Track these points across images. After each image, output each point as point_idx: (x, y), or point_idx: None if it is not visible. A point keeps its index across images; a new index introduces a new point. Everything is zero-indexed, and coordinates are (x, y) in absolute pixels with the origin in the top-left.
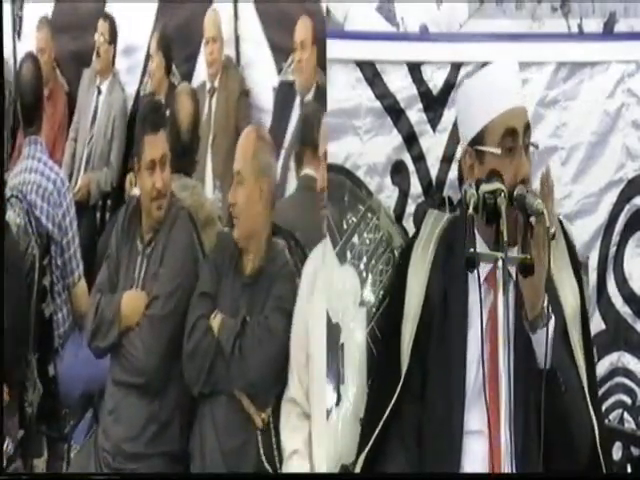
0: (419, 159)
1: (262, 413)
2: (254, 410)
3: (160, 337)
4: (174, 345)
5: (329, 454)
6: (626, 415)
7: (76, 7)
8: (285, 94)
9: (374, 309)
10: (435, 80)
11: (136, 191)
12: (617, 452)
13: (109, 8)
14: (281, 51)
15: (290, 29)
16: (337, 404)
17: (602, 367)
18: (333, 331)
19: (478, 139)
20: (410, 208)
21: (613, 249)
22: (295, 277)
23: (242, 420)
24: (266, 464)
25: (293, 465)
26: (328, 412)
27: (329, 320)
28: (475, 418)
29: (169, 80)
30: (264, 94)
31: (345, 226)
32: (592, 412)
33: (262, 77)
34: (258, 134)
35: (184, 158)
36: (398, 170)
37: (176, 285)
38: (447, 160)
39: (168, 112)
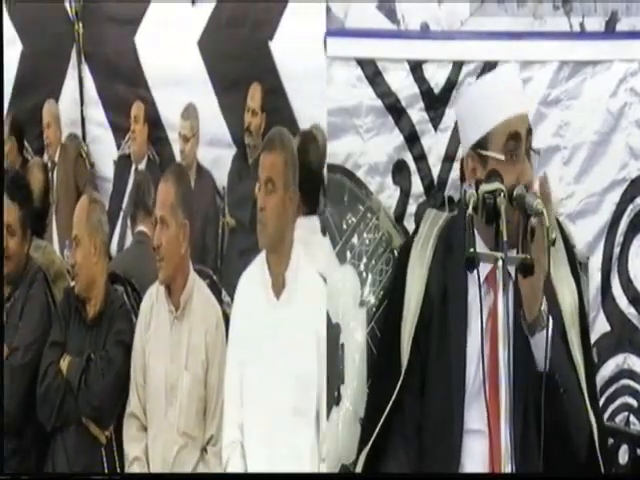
0: (420, 158)
1: (106, 431)
2: (99, 431)
3: (19, 385)
4: (32, 391)
5: (329, 454)
6: (632, 418)
7: None
8: (123, 165)
9: (374, 309)
10: (437, 79)
11: None
12: (623, 455)
13: None
14: (120, 130)
15: (127, 112)
16: (337, 404)
17: (607, 369)
18: (333, 331)
19: (481, 144)
20: (411, 208)
21: (617, 249)
22: (131, 315)
23: (89, 441)
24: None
25: (135, 470)
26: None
27: (329, 320)
28: (475, 417)
29: (22, 156)
30: (106, 166)
31: (345, 226)
32: (591, 413)
33: (104, 152)
34: (90, 199)
35: (37, 222)
36: (399, 169)
37: (34, 337)
38: (449, 159)
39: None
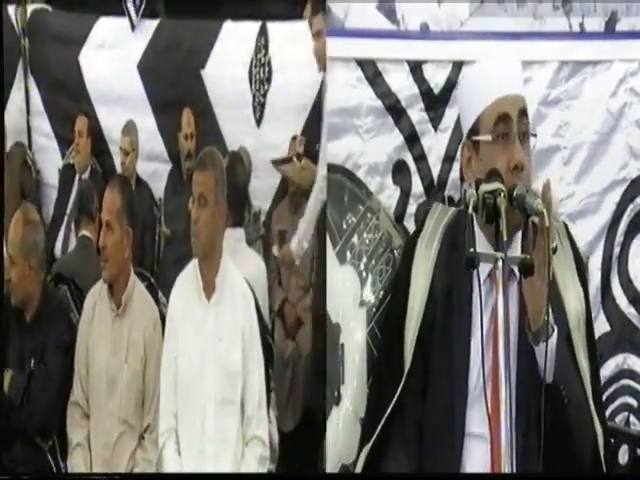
0: (420, 159)
1: (49, 441)
2: (42, 441)
3: None
4: None
5: (329, 454)
6: (632, 418)
7: None
8: (67, 174)
9: (374, 309)
10: (436, 79)
11: None
12: (623, 455)
13: None
14: (64, 141)
15: (71, 124)
16: (337, 404)
17: (607, 369)
18: (333, 331)
19: (474, 130)
20: (411, 208)
21: (617, 249)
22: (70, 311)
23: (33, 452)
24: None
25: (77, 455)
26: None
27: (329, 320)
28: (477, 420)
29: None
30: (52, 174)
31: (345, 226)
32: (596, 421)
33: (50, 160)
34: (25, 218)
35: None
36: (399, 170)
37: None
38: (449, 159)
39: None
